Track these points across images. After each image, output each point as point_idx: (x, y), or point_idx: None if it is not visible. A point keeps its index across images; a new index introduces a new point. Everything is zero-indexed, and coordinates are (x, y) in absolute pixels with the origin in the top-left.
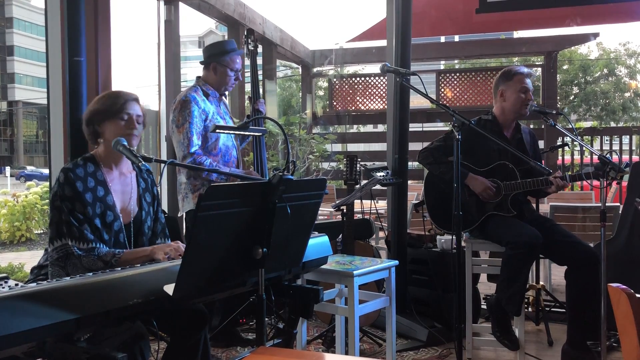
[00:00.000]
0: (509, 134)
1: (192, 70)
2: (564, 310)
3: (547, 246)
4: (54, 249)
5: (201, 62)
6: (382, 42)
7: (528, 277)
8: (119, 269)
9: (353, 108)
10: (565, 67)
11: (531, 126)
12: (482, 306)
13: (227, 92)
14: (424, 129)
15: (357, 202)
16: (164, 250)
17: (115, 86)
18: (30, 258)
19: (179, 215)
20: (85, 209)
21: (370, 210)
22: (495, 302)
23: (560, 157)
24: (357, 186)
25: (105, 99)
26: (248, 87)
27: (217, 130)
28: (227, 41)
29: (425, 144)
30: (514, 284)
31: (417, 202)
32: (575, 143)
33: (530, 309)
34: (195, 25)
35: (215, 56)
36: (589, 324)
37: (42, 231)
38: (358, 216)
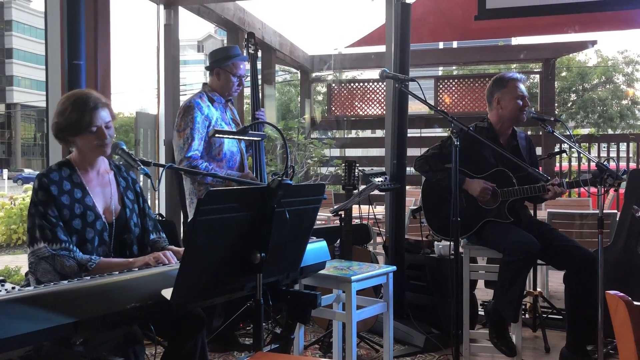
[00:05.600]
0: (504, 140)
1: (191, 75)
2: (561, 317)
3: (545, 250)
4: (29, 253)
5: (206, 68)
6: (381, 48)
7: (525, 283)
8: (117, 273)
9: (351, 113)
10: (563, 74)
11: (529, 132)
12: (480, 312)
13: (232, 98)
14: (422, 135)
15: (355, 207)
16: (144, 261)
17: (115, 90)
18: (27, 261)
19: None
20: (60, 212)
21: (369, 215)
22: (493, 309)
23: (558, 164)
24: (355, 191)
25: (70, 112)
26: (247, 92)
27: (217, 135)
28: (231, 47)
29: (424, 150)
30: (512, 290)
31: (414, 207)
32: (572, 150)
33: (527, 316)
34: (195, 30)
35: (219, 62)
36: (588, 328)
37: None
38: (356, 221)
